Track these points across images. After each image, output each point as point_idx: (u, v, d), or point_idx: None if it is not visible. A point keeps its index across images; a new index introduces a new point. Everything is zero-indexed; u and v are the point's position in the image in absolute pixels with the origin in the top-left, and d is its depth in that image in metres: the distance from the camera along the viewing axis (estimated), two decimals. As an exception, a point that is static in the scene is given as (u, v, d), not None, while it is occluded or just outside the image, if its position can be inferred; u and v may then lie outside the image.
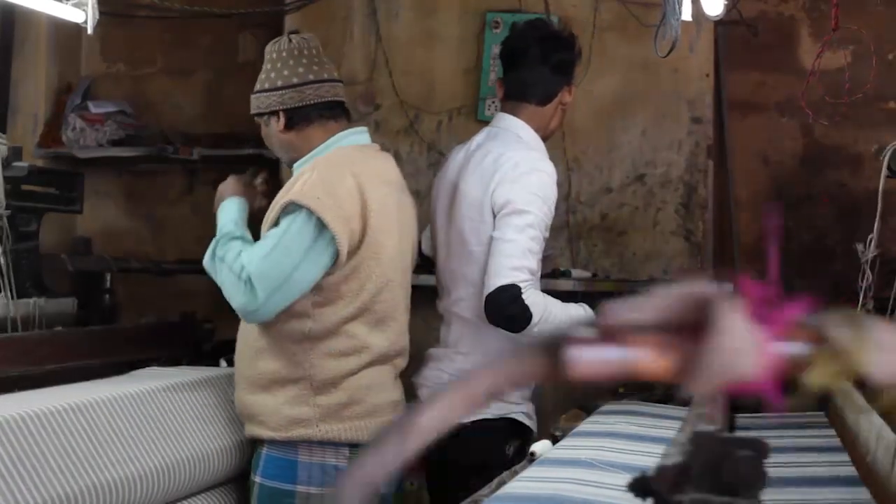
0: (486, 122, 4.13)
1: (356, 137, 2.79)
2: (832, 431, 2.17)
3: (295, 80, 2.72)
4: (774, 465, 1.67)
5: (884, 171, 2.86)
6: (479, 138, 3.07)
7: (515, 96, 3.03)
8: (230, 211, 2.75)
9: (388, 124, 4.19)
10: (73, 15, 3.18)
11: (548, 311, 2.74)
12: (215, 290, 2.68)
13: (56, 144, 4.69)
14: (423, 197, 4.15)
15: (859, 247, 2.97)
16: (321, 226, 2.55)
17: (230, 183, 2.83)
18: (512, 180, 2.85)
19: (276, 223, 2.62)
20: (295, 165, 2.76)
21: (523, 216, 2.80)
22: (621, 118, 4.04)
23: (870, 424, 1.85)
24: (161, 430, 2.58)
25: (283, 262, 2.56)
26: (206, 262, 2.68)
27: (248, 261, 2.57)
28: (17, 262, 3.23)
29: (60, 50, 4.81)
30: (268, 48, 2.79)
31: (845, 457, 1.90)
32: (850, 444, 2.01)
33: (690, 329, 0.76)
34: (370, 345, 2.67)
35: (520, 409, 2.91)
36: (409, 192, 2.90)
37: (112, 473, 2.34)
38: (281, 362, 2.63)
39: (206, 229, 4.87)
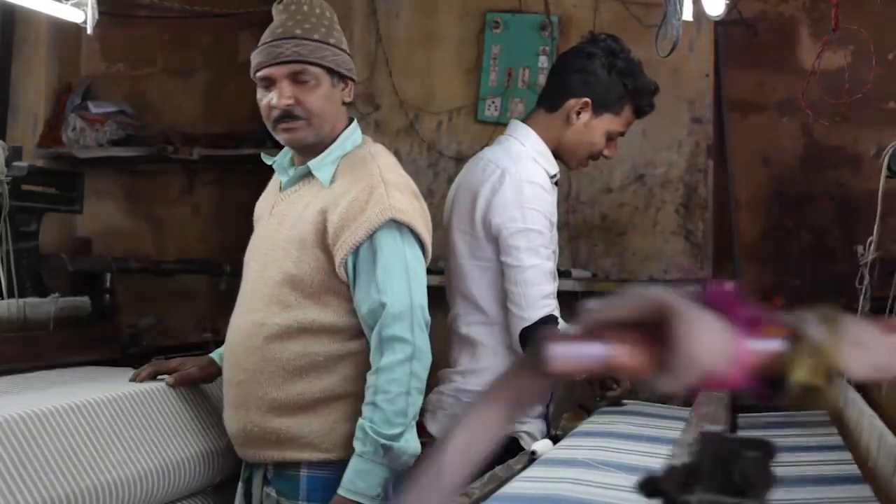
0: (485, 123, 4.16)
1: (358, 135, 2.58)
2: (834, 429, 2.17)
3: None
4: (776, 465, 1.67)
5: (884, 171, 2.85)
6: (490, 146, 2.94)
7: (536, 102, 2.93)
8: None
9: (388, 124, 4.19)
10: (73, 15, 3.19)
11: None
12: (215, 290, 2.65)
13: (56, 144, 4.70)
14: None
15: (859, 248, 2.97)
16: (418, 239, 2.43)
17: None
18: (504, 194, 2.69)
19: (368, 241, 2.38)
20: (312, 163, 2.47)
21: (530, 236, 2.67)
22: (621, 118, 4.03)
23: (871, 429, 1.85)
24: (161, 430, 2.58)
25: (423, 287, 2.43)
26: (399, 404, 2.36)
27: (402, 302, 2.36)
28: (17, 262, 3.23)
29: (60, 50, 4.81)
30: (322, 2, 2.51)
31: (847, 455, 1.90)
32: (853, 443, 2.01)
33: (658, 329, 0.78)
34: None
35: (522, 427, 2.73)
36: None
37: (112, 474, 2.34)
38: (332, 379, 2.45)
39: (206, 229, 4.92)
